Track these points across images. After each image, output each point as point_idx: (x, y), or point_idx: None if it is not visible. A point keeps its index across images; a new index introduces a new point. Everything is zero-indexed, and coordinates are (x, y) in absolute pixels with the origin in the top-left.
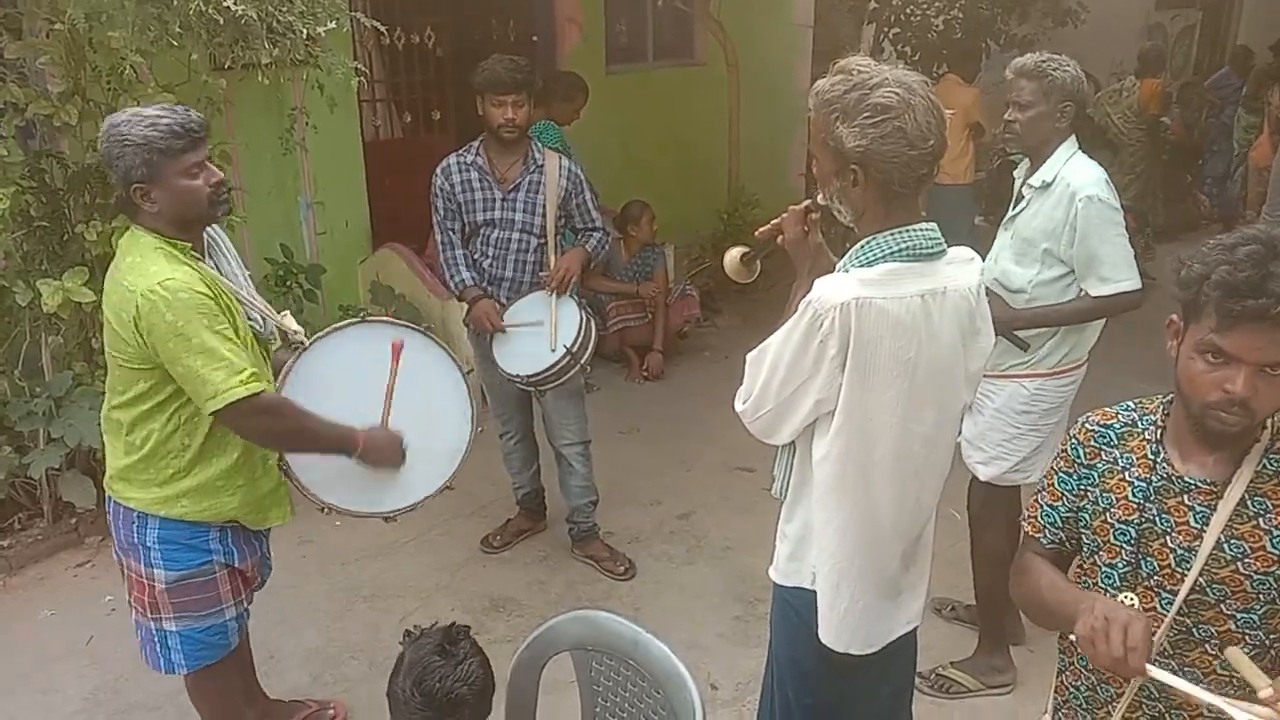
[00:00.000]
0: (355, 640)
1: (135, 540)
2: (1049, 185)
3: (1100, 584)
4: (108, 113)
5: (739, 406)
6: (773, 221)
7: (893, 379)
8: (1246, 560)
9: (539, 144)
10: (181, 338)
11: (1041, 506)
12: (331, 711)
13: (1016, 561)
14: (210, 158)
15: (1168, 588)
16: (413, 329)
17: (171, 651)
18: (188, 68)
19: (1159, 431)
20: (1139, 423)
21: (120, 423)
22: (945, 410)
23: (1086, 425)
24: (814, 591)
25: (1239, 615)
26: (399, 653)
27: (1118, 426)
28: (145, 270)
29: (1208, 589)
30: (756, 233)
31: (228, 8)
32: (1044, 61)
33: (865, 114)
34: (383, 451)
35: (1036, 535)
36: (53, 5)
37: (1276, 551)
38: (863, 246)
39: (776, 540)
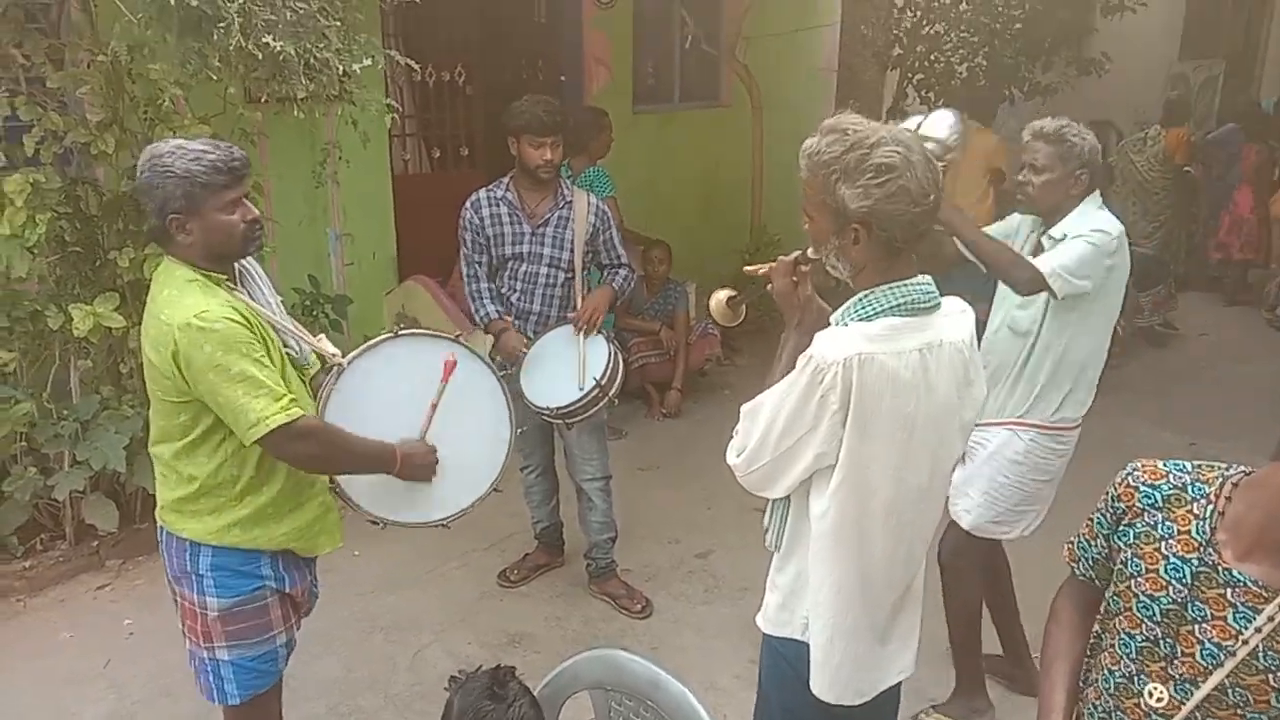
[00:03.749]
0: (372, 672)
1: (188, 569)
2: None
3: (1117, 650)
4: (144, 142)
5: (732, 460)
6: (761, 268)
7: (893, 434)
8: (1278, 674)
9: (568, 181)
10: (221, 368)
11: (1080, 537)
12: None
13: (1056, 597)
14: (248, 194)
15: (1187, 677)
16: (445, 338)
17: (225, 682)
18: (223, 100)
19: (1210, 510)
20: (1189, 490)
21: (165, 458)
22: (940, 462)
23: (1130, 481)
24: (804, 643)
25: (1249, 717)
26: (415, 686)
27: (1165, 489)
28: (181, 303)
29: (1230, 690)
30: (744, 270)
31: (267, 44)
32: (1064, 127)
33: (869, 174)
34: (418, 466)
35: (1072, 564)
36: (95, 38)
37: None
38: (860, 300)
39: (766, 589)
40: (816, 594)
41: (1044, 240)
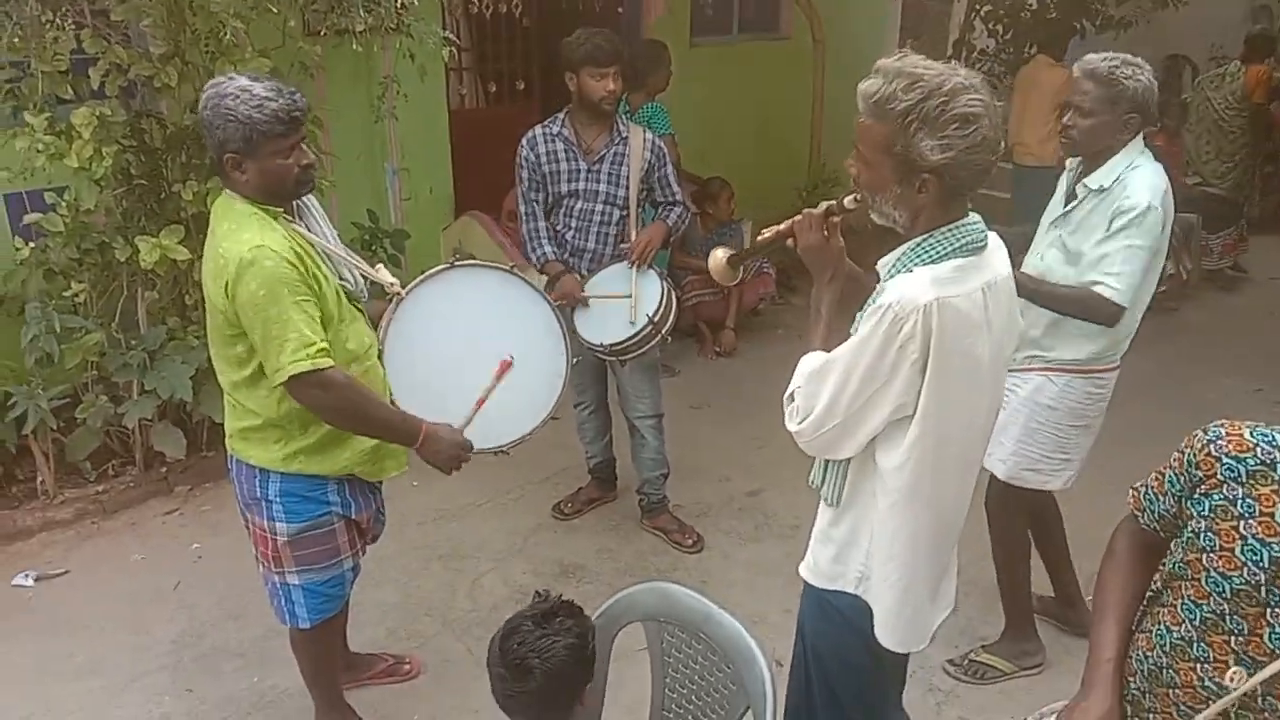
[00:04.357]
0: (430, 599)
1: (258, 495)
2: (1106, 190)
3: (1179, 612)
4: (206, 75)
5: (793, 426)
6: (778, 227)
7: (965, 377)
8: None
9: (624, 117)
10: (260, 306)
11: (1148, 488)
12: (407, 666)
13: (1114, 535)
14: (304, 140)
15: (1251, 655)
16: (500, 268)
17: (295, 605)
18: (283, 33)
19: None
20: (1277, 468)
21: (229, 390)
22: (995, 399)
23: (1212, 450)
24: (856, 595)
25: None
26: (472, 612)
27: (1251, 463)
28: (239, 237)
29: None
30: (758, 237)
31: None
32: (1117, 67)
33: (954, 125)
34: (439, 453)
35: (1137, 512)
36: None
37: None
38: (921, 244)
39: (814, 541)
40: (889, 547)
41: (1078, 188)
